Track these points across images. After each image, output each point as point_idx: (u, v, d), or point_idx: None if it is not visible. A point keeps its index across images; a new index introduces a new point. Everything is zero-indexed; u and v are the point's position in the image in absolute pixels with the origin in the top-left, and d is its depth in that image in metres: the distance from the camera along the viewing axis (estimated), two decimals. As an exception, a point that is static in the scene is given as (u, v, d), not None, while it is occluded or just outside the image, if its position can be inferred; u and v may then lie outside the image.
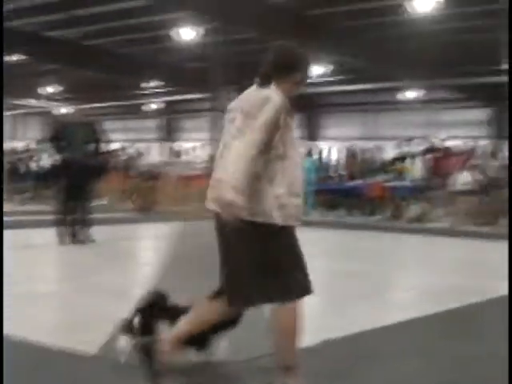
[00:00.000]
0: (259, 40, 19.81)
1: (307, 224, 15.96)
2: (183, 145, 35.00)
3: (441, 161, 18.54)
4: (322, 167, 19.11)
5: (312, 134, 34.41)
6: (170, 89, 30.99)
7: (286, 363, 3.56)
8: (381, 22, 20.68)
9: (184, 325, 3.74)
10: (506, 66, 24.38)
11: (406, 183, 18.05)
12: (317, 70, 25.67)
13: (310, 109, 33.88)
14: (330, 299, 6.84)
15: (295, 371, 3.55)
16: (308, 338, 4.45)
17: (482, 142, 24.28)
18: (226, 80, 20.81)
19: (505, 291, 6.90)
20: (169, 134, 38.87)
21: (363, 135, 33.07)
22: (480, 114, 32.33)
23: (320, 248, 11.39)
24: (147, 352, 3.74)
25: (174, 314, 3.95)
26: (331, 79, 27.39)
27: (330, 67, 25.54)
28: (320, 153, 21.16)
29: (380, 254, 11.34)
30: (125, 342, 4.02)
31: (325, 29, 20.20)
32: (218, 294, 3.65)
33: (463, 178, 16.31)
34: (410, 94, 30.76)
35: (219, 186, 3.34)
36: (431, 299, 6.87)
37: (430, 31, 21.56)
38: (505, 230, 13.13)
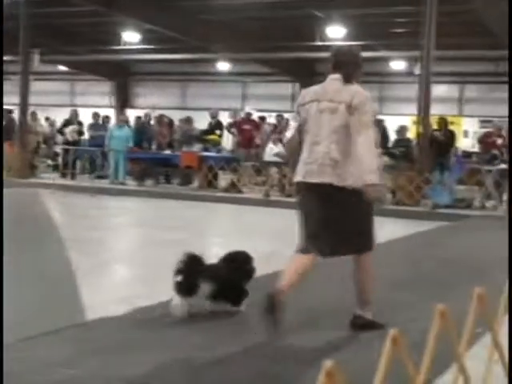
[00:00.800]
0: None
1: (122, 193, 15.97)
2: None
3: (248, 132, 18.91)
4: (137, 136, 18.87)
5: (125, 103, 33.92)
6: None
7: (367, 298, 4.48)
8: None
9: (289, 277, 4.35)
10: (319, 43, 25.31)
11: (219, 154, 18.31)
12: (129, 37, 25.28)
13: (122, 76, 33.39)
14: (143, 268, 6.81)
15: (371, 305, 4.50)
16: (120, 306, 4.43)
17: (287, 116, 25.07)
18: (35, 42, 20.01)
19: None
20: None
21: (178, 105, 33.10)
22: (288, 88, 33.35)
23: (136, 217, 11.31)
24: (269, 303, 4.15)
25: (210, 272, 4.74)
26: (144, 47, 27.06)
27: (140, 35, 25.16)
28: (136, 121, 20.86)
29: (196, 222, 11.43)
30: (178, 301, 4.61)
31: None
32: (306, 251, 4.47)
33: (270, 151, 16.82)
34: (223, 66, 31.10)
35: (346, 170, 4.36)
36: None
37: (243, 4, 21.90)
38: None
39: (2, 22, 14.54)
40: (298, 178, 4.58)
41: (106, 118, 21.75)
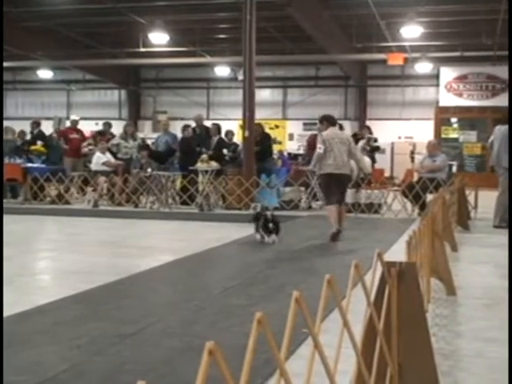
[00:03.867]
0: None
1: None
2: None
3: (76, 141, 18.48)
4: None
5: None
6: None
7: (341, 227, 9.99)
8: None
9: (336, 219, 9.95)
10: (142, 49, 25.16)
11: (42, 164, 17.70)
12: None
13: None
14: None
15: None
16: None
17: (119, 123, 24.76)
18: None
19: (145, 268, 7.16)
20: None
21: (-2, 115, 31.73)
22: (114, 95, 32.94)
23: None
24: (334, 234, 9.79)
25: (273, 220, 9.70)
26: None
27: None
28: None
29: (23, 237, 10.98)
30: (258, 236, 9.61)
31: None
32: (336, 203, 9.99)
33: (98, 160, 16.52)
34: (45, 74, 30.20)
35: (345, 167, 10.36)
36: (74, 280, 6.83)
37: (63, 10, 21.39)
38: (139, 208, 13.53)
39: (2, 22, 13.35)
40: (328, 171, 10.04)
41: None
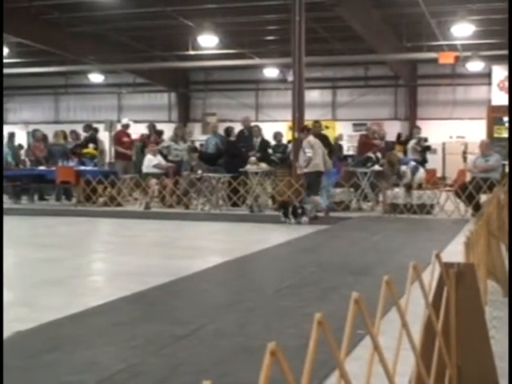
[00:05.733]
0: None
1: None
2: None
3: (127, 145, 18.70)
4: (15, 152, 18.34)
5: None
6: None
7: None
8: (61, 5, 20.35)
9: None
10: (192, 52, 25.34)
11: (95, 167, 17.97)
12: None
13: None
14: (22, 289, 6.56)
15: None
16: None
17: (169, 126, 24.96)
18: None
19: (197, 269, 7.18)
20: None
21: (51, 119, 32.30)
22: (163, 98, 33.21)
23: (12, 236, 10.86)
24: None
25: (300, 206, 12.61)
26: (13, 61, 26.26)
27: (7, 49, 24.37)
28: (9, 138, 20.19)
29: (75, 239, 11.15)
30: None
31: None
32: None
33: (148, 162, 16.68)
34: (96, 78, 30.61)
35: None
36: (127, 281, 6.90)
37: (113, 15, 21.65)
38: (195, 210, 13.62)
39: (2, 22, 13.65)
40: (317, 168, 13.20)
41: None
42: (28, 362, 4.01)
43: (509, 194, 11.33)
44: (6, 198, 17.54)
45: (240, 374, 3.41)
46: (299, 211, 12.33)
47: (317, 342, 1.47)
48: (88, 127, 19.57)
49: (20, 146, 21.99)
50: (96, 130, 19.53)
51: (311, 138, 13.56)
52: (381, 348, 1.78)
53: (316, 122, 16.55)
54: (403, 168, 14.81)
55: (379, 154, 16.15)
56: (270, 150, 16.97)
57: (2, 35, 13.65)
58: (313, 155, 13.16)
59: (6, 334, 4.38)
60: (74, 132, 19.65)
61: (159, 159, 16.87)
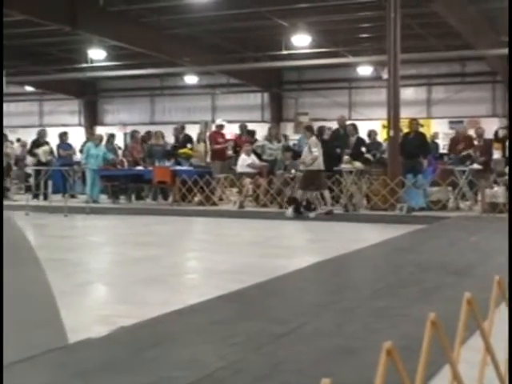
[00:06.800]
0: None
1: (96, 211, 15.85)
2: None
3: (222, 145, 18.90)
4: (110, 153, 18.87)
5: (94, 120, 33.77)
6: None
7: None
8: (157, 8, 20.73)
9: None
10: (285, 52, 25.41)
11: (191, 167, 18.24)
12: (94, 55, 25.13)
13: (90, 94, 33.21)
14: (122, 286, 6.73)
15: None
16: (103, 326, 4.35)
17: (262, 125, 25.09)
18: None
19: (293, 268, 7.18)
20: None
21: (147, 120, 32.99)
22: (257, 98, 33.37)
23: (111, 235, 11.19)
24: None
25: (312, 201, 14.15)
26: (111, 64, 26.97)
27: (105, 52, 25.02)
28: (108, 139, 20.76)
29: (171, 238, 11.36)
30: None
31: (100, 13, 19.86)
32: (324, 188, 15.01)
33: (243, 162, 16.81)
34: (191, 79, 31.07)
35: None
36: (223, 279, 6.98)
37: (207, 17, 21.90)
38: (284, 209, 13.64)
39: (2, 23, 14.10)
40: (321, 167, 14.29)
41: (64, 134, 21.29)
42: (131, 356, 4.10)
43: (509, 194, 10.92)
44: (104, 197, 18.04)
45: (340, 374, 3.39)
46: (312, 206, 13.93)
47: (430, 341, 1.44)
48: (181, 128, 19.88)
49: (118, 147, 22.55)
50: (183, 128, 19.76)
51: (314, 137, 14.86)
52: (493, 350, 1.73)
53: (413, 119, 16.29)
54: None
55: (478, 153, 15.76)
56: (364, 149, 16.82)
57: (2, 35, 13.95)
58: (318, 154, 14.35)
59: (110, 328, 4.50)
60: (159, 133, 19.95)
61: (253, 159, 16.99)
